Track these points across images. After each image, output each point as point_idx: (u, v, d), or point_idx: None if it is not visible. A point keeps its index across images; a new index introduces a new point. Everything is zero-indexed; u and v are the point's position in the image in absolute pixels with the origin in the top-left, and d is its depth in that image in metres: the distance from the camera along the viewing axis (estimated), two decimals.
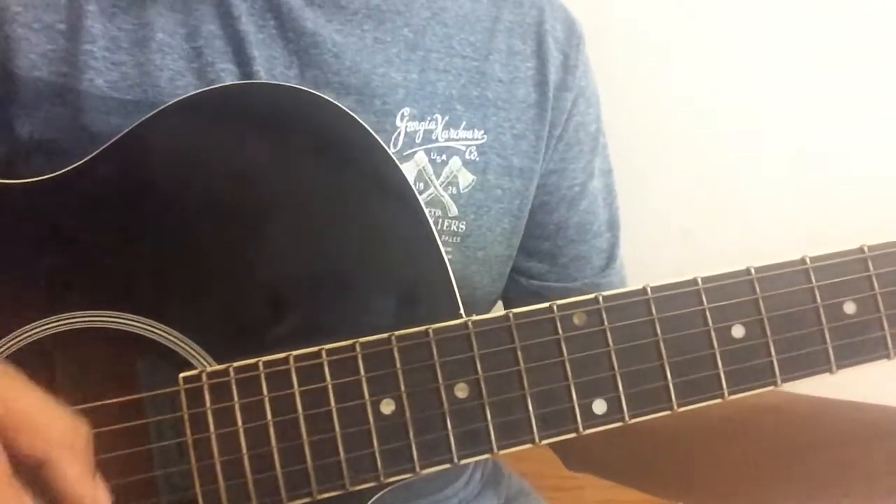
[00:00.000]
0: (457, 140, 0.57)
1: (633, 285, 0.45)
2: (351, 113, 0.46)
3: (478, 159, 0.58)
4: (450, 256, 0.55)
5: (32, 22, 0.50)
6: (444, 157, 0.57)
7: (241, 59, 0.53)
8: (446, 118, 0.57)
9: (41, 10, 0.50)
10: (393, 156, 0.46)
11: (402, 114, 0.56)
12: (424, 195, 0.56)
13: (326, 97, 0.46)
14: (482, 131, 0.59)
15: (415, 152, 0.56)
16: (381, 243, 0.47)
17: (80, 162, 0.45)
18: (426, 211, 0.47)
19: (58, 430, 0.34)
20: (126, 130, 0.45)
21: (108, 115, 0.50)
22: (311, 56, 0.54)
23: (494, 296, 0.64)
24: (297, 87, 0.47)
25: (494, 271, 0.62)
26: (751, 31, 0.99)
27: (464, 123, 0.58)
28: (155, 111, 0.45)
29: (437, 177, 0.57)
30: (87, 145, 0.50)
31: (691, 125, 1.02)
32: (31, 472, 0.33)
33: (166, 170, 0.46)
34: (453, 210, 0.57)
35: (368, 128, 0.46)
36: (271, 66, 0.53)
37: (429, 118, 0.57)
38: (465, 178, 0.58)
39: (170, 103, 0.45)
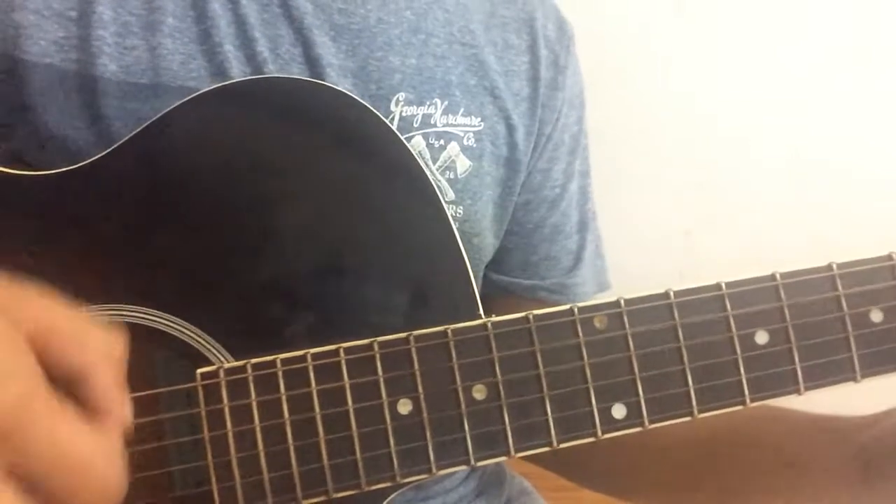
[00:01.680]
0: (455, 126, 0.58)
1: (654, 289, 0.44)
2: (373, 110, 0.46)
3: (475, 146, 0.59)
4: None
5: (43, 9, 0.49)
6: (442, 141, 0.57)
7: (244, 40, 0.53)
8: (445, 103, 0.58)
9: None
10: (417, 155, 0.46)
11: (398, 99, 0.56)
12: None
13: (349, 93, 0.46)
14: (479, 118, 0.59)
15: (412, 136, 0.56)
16: (401, 241, 0.46)
17: (101, 154, 0.45)
18: (447, 210, 0.46)
19: (94, 341, 0.33)
20: (145, 124, 0.45)
21: (124, 100, 0.50)
22: (314, 36, 0.54)
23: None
24: (318, 83, 0.47)
25: (484, 262, 0.62)
26: (752, 33, 0.98)
27: (462, 109, 0.58)
28: (176, 104, 0.45)
29: (435, 161, 0.57)
30: (104, 131, 0.50)
31: (691, 127, 1.01)
32: (64, 384, 0.32)
33: (186, 164, 0.46)
34: (450, 195, 0.58)
35: (391, 125, 0.46)
36: (276, 46, 0.53)
37: (427, 102, 0.57)
38: (463, 164, 0.58)
39: (190, 97, 0.45)
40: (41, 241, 0.44)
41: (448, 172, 0.58)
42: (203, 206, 0.45)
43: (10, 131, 0.50)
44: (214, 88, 0.46)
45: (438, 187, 0.57)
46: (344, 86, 0.54)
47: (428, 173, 0.54)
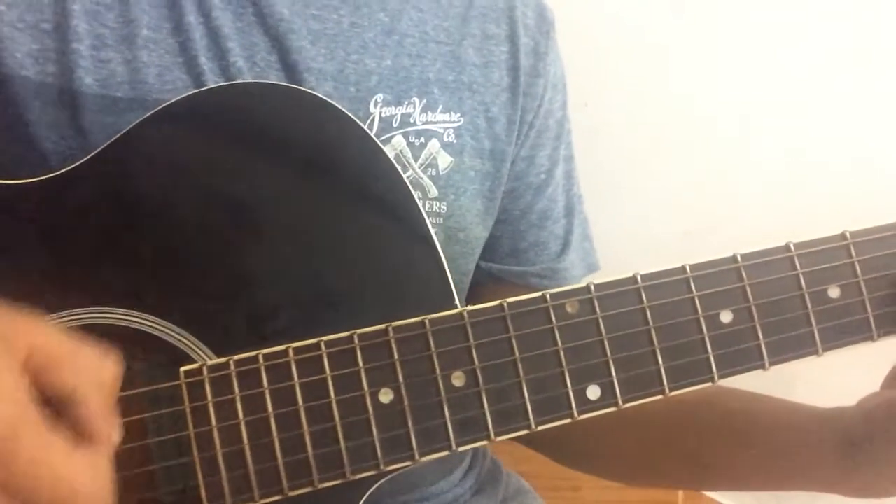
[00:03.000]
0: (435, 123, 0.59)
1: (623, 274, 0.46)
2: (350, 115, 0.47)
3: (455, 142, 0.60)
4: (440, 236, 0.57)
5: (17, 21, 0.50)
6: (422, 139, 0.58)
7: (217, 52, 0.53)
8: (424, 101, 0.59)
9: (24, 9, 0.50)
10: (391, 157, 0.47)
11: (376, 100, 0.57)
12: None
13: (326, 98, 0.47)
14: (458, 114, 0.60)
15: (392, 136, 0.57)
16: (377, 238, 0.48)
17: (80, 161, 0.46)
18: (421, 206, 0.47)
19: (87, 365, 0.34)
20: (124, 130, 0.46)
21: (101, 114, 0.51)
22: (290, 42, 0.55)
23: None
24: (297, 88, 0.48)
25: (475, 254, 0.63)
26: (751, 32, 0.99)
27: (441, 107, 0.59)
28: (153, 111, 0.46)
29: (416, 159, 0.58)
30: (83, 144, 0.50)
31: (691, 127, 1.02)
32: (56, 406, 0.34)
33: (165, 169, 0.47)
34: (433, 191, 0.59)
35: (367, 129, 0.47)
36: (251, 54, 0.54)
37: (406, 102, 0.58)
38: (444, 160, 0.59)
39: (169, 102, 0.46)
40: (22, 248, 0.45)
41: (430, 169, 0.59)
42: (181, 210, 0.46)
43: None
44: (190, 94, 0.47)
45: (419, 183, 0.58)
46: (323, 89, 0.55)
47: (407, 172, 0.56)
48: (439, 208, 0.59)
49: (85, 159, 0.46)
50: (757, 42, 0.99)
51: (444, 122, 0.59)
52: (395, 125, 0.57)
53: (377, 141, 0.47)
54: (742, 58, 1.00)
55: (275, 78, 0.55)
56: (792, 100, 1.00)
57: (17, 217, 0.45)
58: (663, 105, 1.00)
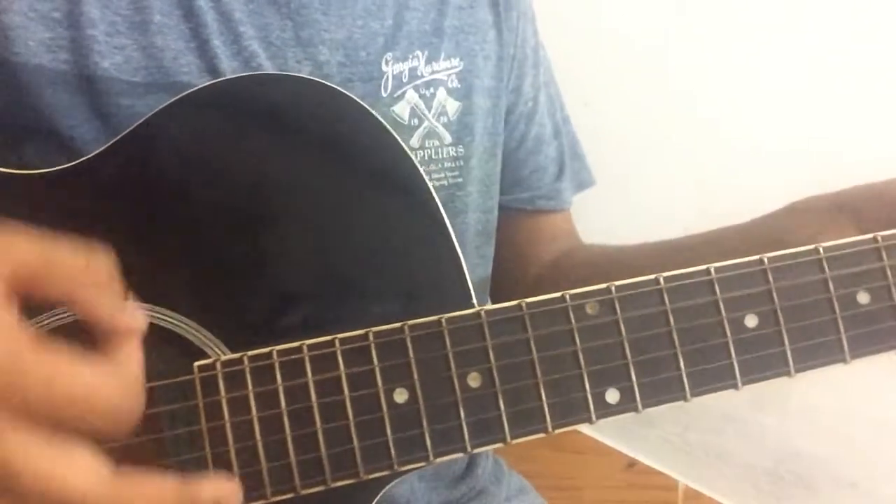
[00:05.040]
0: (439, 71, 0.60)
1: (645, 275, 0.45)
2: (366, 106, 0.47)
3: (460, 86, 0.62)
4: (459, 180, 0.61)
5: (28, 11, 0.50)
6: (431, 90, 0.60)
7: (230, 36, 0.54)
8: (426, 53, 0.60)
9: None
10: (407, 148, 0.47)
11: (386, 59, 0.58)
12: (420, 129, 0.60)
13: (341, 90, 0.47)
14: (458, 58, 0.62)
15: (405, 91, 0.59)
16: (394, 234, 0.47)
17: (96, 152, 0.46)
18: (439, 201, 0.47)
19: (75, 266, 0.33)
20: (140, 121, 0.46)
21: (119, 97, 0.51)
22: (303, 16, 0.56)
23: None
24: (313, 80, 0.47)
25: (493, 191, 0.66)
26: (752, 32, 0.99)
27: (442, 54, 0.61)
28: (169, 101, 0.46)
29: (430, 110, 0.60)
30: (100, 129, 0.51)
31: (691, 126, 1.02)
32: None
33: (182, 160, 0.46)
34: (448, 138, 0.61)
35: (382, 120, 0.47)
36: (266, 34, 0.55)
37: (411, 56, 0.59)
38: (452, 106, 0.61)
39: (185, 94, 0.46)
40: None
41: (442, 118, 0.60)
42: (198, 202, 0.46)
43: (10, 131, 0.51)
44: (206, 86, 0.47)
45: (435, 132, 0.60)
46: (336, 59, 0.56)
47: (423, 124, 0.58)
48: (456, 152, 0.61)
49: (100, 150, 0.46)
50: (757, 41, 0.99)
51: (447, 69, 0.61)
52: (405, 80, 0.59)
53: (394, 133, 0.46)
54: (742, 57, 1.00)
55: (291, 55, 0.55)
56: (792, 99, 0.99)
57: (30, 207, 0.45)
58: (663, 104, 1.00)
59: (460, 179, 0.61)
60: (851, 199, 0.51)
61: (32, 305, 0.33)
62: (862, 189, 0.52)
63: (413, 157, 0.47)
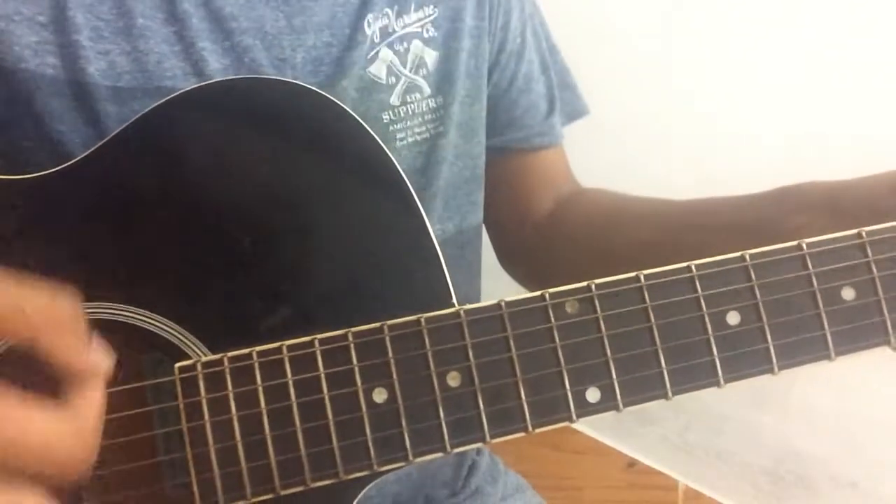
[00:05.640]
0: (411, 24, 0.60)
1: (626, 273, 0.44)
2: (348, 110, 0.47)
3: (436, 34, 0.61)
4: (440, 129, 0.60)
5: (13, 14, 0.50)
6: (405, 44, 0.59)
7: (220, 34, 0.54)
8: (395, 7, 0.59)
9: (21, 2, 0.50)
10: (386, 149, 0.47)
11: (368, 21, 0.58)
12: (399, 86, 0.59)
13: (325, 94, 0.47)
14: (432, 6, 0.61)
15: (378, 51, 0.58)
16: (373, 234, 0.47)
17: (80, 157, 0.46)
18: (419, 202, 0.47)
19: (35, 307, 0.32)
20: (125, 125, 0.46)
21: (105, 103, 0.51)
22: (292, 5, 0.56)
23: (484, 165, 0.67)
24: (296, 84, 0.47)
25: (479, 135, 0.65)
26: (751, 31, 0.99)
27: (412, 5, 0.60)
28: (154, 105, 0.46)
29: (405, 65, 0.59)
30: (89, 135, 0.51)
31: (691, 126, 1.01)
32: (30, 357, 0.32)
33: (163, 164, 0.46)
34: (427, 90, 0.60)
35: (365, 125, 0.47)
36: (261, 26, 0.55)
37: (380, 14, 0.59)
38: (430, 56, 0.60)
39: (170, 97, 0.46)
40: (20, 241, 0.45)
41: (420, 70, 0.60)
42: (180, 205, 0.46)
43: (1, 133, 0.51)
44: (192, 89, 0.47)
45: (415, 85, 0.59)
46: (323, 39, 0.56)
47: (401, 80, 0.58)
48: (436, 103, 0.60)
49: (84, 155, 0.46)
50: (758, 41, 0.99)
51: (420, 19, 0.60)
52: (377, 40, 0.58)
53: (371, 132, 0.46)
54: (742, 56, 0.99)
55: (287, 43, 0.55)
56: (792, 98, 0.99)
57: (14, 211, 0.45)
58: (664, 104, 1.00)
59: (441, 128, 0.61)
60: (843, 193, 0.50)
61: None
62: (853, 183, 0.51)
63: (392, 158, 0.46)
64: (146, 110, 0.46)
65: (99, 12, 0.52)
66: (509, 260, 0.74)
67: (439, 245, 0.46)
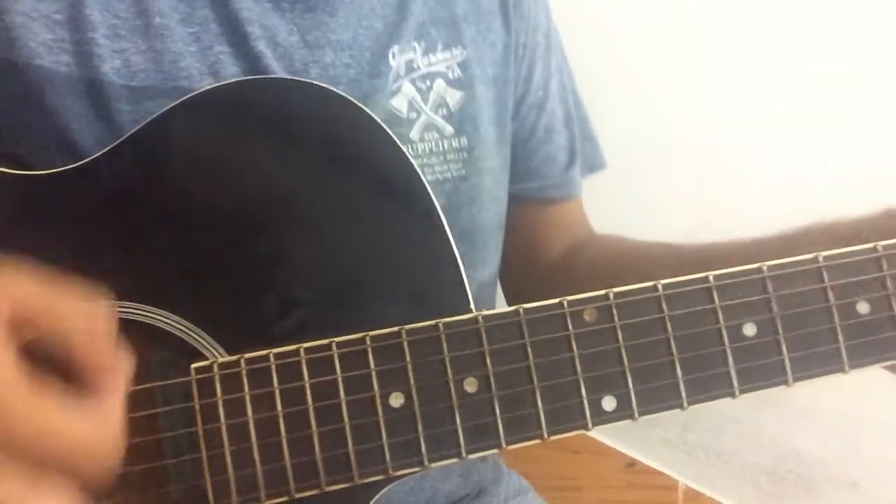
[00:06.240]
0: (437, 63, 0.59)
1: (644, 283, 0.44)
2: (366, 109, 0.46)
3: (462, 76, 0.60)
4: (464, 172, 0.60)
5: (30, 11, 0.50)
6: (428, 82, 0.59)
7: (236, 37, 0.53)
8: (423, 45, 0.59)
9: None
10: (407, 152, 0.47)
11: (392, 52, 0.58)
12: (419, 122, 0.59)
13: (342, 94, 0.47)
14: (459, 48, 0.61)
15: (401, 85, 0.58)
16: (393, 238, 0.47)
17: (96, 155, 0.46)
18: (438, 206, 0.46)
19: (73, 313, 0.33)
20: (141, 125, 0.46)
21: (119, 101, 0.51)
22: (308, 19, 0.55)
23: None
24: (313, 83, 0.47)
25: (503, 182, 0.65)
26: (752, 31, 0.99)
27: (440, 45, 0.60)
28: (171, 105, 0.46)
29: (426, 103, 0.59)
30: (102, 133, 0.50)
31: (691, 126, 1.01)
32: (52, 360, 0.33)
33: (181, 164, 0.46)
34: (448, 130, 0.60)
35: (382, 123, 0.46)
36: (273, 36, 0.54)
37: (408, 48, 0.58)
38: (454, 97, 0.60)
39: (186, 97, 0.45)
40: (37, 240, 0.45)
41: (441, 109, 0.59)
42: (197, 205, 0.46)
43: (12, 131, 0.51)
44: (208, 89, 0.46)
45: (433, 125, 0.59)
46: (343, 59, 0.55)
47: (420, 117, 0.58)
48: (460, 143, 0.60)
49: (101, 152, 0.46)
50: (758, 41, 0.99)
51: (447, 59, 0.60)
52: (402, 74, 0.58)
53: (394, 137, 0.46)
54: (742, 56, 0.99)
55: (298, 57, 0.55)
56: (793, 98, 0.99)
57: (31, 209, 0.45)
58: (664, 105, 1.00)
59: (464, 171, 0.60)
60: (867, 228, 0.50)
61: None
62: (877, 219, 0.51)
63: (413, 162, 0.46)
64: (164, 109, 0.46)
65: (116, 10, 0.51)
66: (518, 301, 0.73)
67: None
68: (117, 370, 0.34)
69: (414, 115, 0.58)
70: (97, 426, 0.32)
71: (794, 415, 1.07)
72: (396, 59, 0.57)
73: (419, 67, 0.59)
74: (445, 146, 0.60)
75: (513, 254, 0.69)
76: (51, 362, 0.33)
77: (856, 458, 1.08)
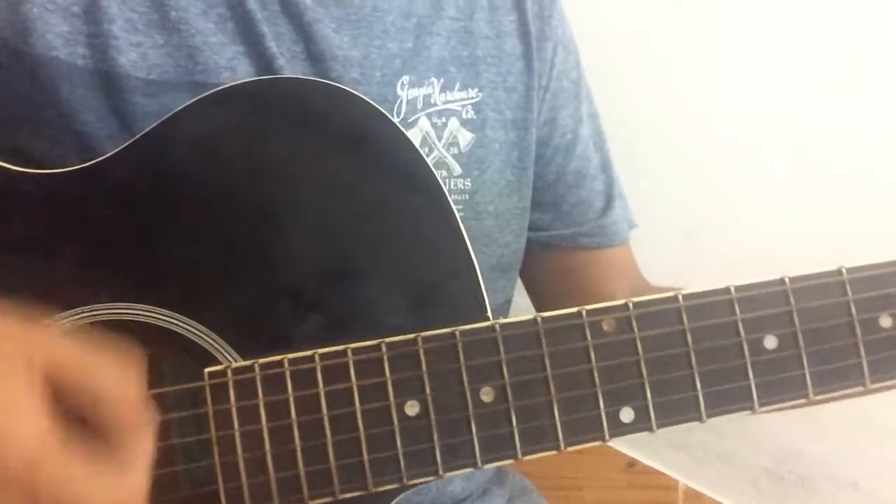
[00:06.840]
0: (453, 101, 0.59)
1: (664, 293, 0.44)
2: (381, 109, 0.46)
3: (475, 117, 0.60)
4: (462, 214, 0.57)
5: (47, 3, 0.50)
6: (443, 119, 0.58)
7: (251, 37, 0.53)
8: (441, 81, 0.59)
9: None
10: (418, 140, 0.46)
11: (402, 82, 0.57)
12: (429, 159, 0.57)
13: (358, 94, 0.46)
14: (476, 89, 0.60)
15: (417, 118, 0.57)
16: (408, 242, 0.46)
17: (111, 153, 0.45)
18: (455, 209, 0.46)
19: (108, 378, 0.34)
20: (157, 122, 0.45)
21: (135, 95, 0.50)
22: (314, 31, 0.54)
23: (521, 253, 0.66)
24: (328, 83, 0.46)
25: (514, 225, 0.63)
26: (753, 30, 0.98)
27: (458, 84, 0.59)
28: (185, 104, 0.45)
29: (440, 139, 0.58)
30: (115, 126, 0.50)
31: (693, 126, 1.01)
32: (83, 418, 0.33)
33: (195, 164, 0.45)
34: (457, 169, 0.59)
35: (398, 123, 0.46)
36: (279, 43, 0.54)
37: (426, 83, 0.58)
38: (465, 138, 0.59)
39: (200, 96, 0.45)
40: (51, 239, 0.44)
41: (452, 148, 0.59)
42: (212, 206, 0.45)
43: (25, 123, 0.50)
44: (223, 88, 0.46)
45: (443, 162, 0.58)
46: (350, 76, 0.55)
47: (433, 153, 0.57)
48: (463, 185, 0.59)
49: (114, 151, 0.45)
50: (758, 41, 0.98)
51: (462, 99, 0.59)
52: (419, 107, 0.57)
53: (412, 140, 0.45)
54: (743, 56, 0.99)
55: (300, 67, 0.54)
56: (794, 98, 0.98)
57: (45, 207, 0.44)
58: (664, 103, 0.99)
59: (463, 214, 0.59)
60: None
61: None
62: None
63: (429, 163, 0.46)
64: (178, 108, 0.45)
65: (133, 4, 0.51)
66: None
67: None
68: (146, 432, 0.35)
69: (426, 150, 0.57)
70: (121, 494, 0.33)
71: (794, 415, 1.07)
72: (405, 91, 0.57)
73: (437, 104, 0.58)
74: (450, 186, 0.59)
75: (548, 299, 0.69)
76: (80, 416, 0.33)
77: (856, 458, 1.08)
